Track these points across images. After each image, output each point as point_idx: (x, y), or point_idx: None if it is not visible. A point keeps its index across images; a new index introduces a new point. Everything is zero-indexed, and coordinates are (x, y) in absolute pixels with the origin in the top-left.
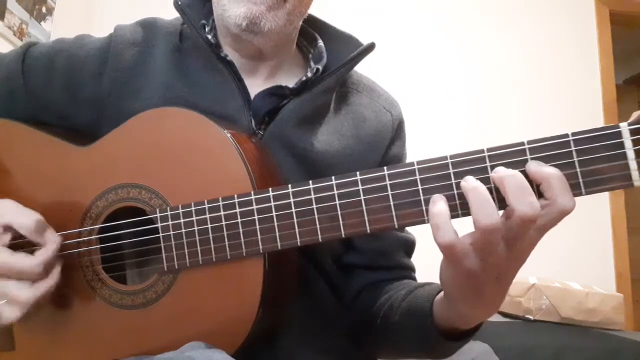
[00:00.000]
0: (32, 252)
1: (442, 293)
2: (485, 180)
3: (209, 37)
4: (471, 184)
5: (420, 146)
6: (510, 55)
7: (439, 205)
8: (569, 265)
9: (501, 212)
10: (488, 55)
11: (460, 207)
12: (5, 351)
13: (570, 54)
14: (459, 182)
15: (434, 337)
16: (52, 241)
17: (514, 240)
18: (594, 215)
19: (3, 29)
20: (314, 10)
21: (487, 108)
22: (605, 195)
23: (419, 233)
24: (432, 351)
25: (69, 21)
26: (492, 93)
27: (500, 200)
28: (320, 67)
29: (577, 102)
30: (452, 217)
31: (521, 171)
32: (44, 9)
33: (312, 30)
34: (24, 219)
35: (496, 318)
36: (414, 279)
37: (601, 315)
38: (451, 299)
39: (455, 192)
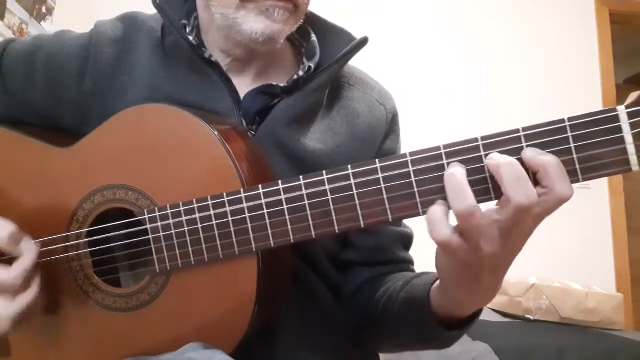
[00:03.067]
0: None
1: (438, 281)
2: (480, 170)
3: (191, 38)
4: (502, 161)
5: (420, 144)
6: (510, 55)
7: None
8: (569, 265)
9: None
10: (488, 55)
11: None
12: (0, 357)
13: (570, 54)
14: None
15: (432, 326)
16: (28, 251)
17: (509, 230)
18: (594, 215)
19: (3, 29)
20: (311, 5)
21: (486, 107)
22: (605, 195)
23: (418, 226)
24: (431, 341)
25: (69, 21)
26: (491, 93)
27: (496, 190)
28: (312, 65)
29: (577, 102)
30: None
31: (517, 159)
32: (44, 9)
33: (304, 22)
34: None
35: (496, 318)
36: (413, 271)
37: (601, 315)
38: (448, 287)
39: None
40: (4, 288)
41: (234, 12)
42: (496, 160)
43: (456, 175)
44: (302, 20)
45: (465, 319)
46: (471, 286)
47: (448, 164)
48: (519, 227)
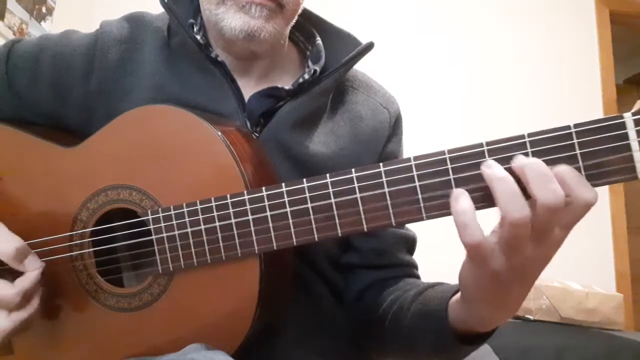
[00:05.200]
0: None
1: (457, 295)
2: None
3: (198, 37)
4: (497, 174)
5: (420, 145)
6: (510, 55)
7: (462, 201)
8: (569, 265)
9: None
10: (488, 55)
11: None
12: (4, 356)
13: (571, 54)
14: (457, 177)
15: (450, 341)
16: (32, 269)
17: (540, 237)
18: (594, 215)
19: (3, 29)
20: (313, 8)
21: (486, 108)
22: (605, 195)
23: (420, 229)
24: (446, 355)
25: (69, 21)
26: (491, 93)
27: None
28: (318, 68)
29: (577, 102)
30: (451, 214)
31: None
32: (44, 9)
33: (310, 25)
34: (2, 245)
35: None
36: (417, 275)
37: (601, 315)
38: (472, 302)
39: (454, 188)
40: (3, 304)
41: (215, 8)
42: (520, 161)
43: (509, 180)
44: (293, 21)
45: (483, 333)
46: (498, 301)
47: (452, 168)
48: (549, 235)
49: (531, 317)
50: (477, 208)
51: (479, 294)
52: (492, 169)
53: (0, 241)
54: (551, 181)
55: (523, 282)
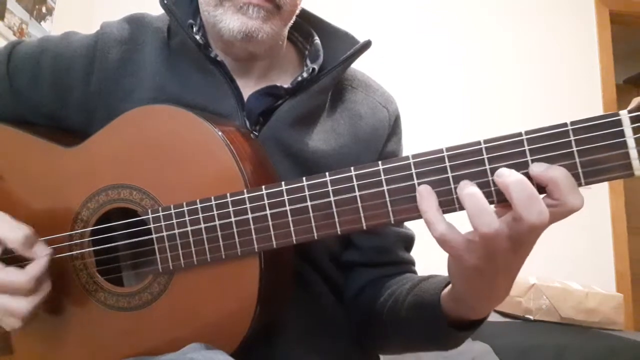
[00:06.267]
0: (24, 266)
1: (449, 286)
2: (483, 174)
3: (197, 37)
4: (467, 191)
5: (420, 145)
6: (510, 55)
7: (426, 199)
8: (569, 265)
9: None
10: (488, 55)
11: (457, 201)
12: (4, 355)
13: (571, 54)
14: (455, 175)
15: (445, 330)
16: (42, 255)
17: (522, 245)
18: (594, 215)
19: (3, 29)
20: (313, 8)
21: (486, 108)
22: (605, 195)
23: (420, 227)
24: (442, 343)
25: (69, 21)
26: (491, 93)
27: (498, 194)
28: (316, 66)
29: (577, 102)
30: (450, 211)
31: (524, 173)
32: (44, 9)
33: (307, 25)
34: (12, 233)
35: (496, 318)
36: (414, 272)
37: (601, 315)
38: (461, 293)
39: (452, 186)
40: (16, 290)
41: (213, 9)
42: (504, 178)
43: (477, 196)
44: (291, 21)
45: (475, 320)
46: (485, 292)
47: (450, 166)
48: (531, 239)
49: (531, 317)
50: None
51: (466, 286)
52: (462, 188)
53: (10, 229)
54: (537, 202)
55: (508, 275)
